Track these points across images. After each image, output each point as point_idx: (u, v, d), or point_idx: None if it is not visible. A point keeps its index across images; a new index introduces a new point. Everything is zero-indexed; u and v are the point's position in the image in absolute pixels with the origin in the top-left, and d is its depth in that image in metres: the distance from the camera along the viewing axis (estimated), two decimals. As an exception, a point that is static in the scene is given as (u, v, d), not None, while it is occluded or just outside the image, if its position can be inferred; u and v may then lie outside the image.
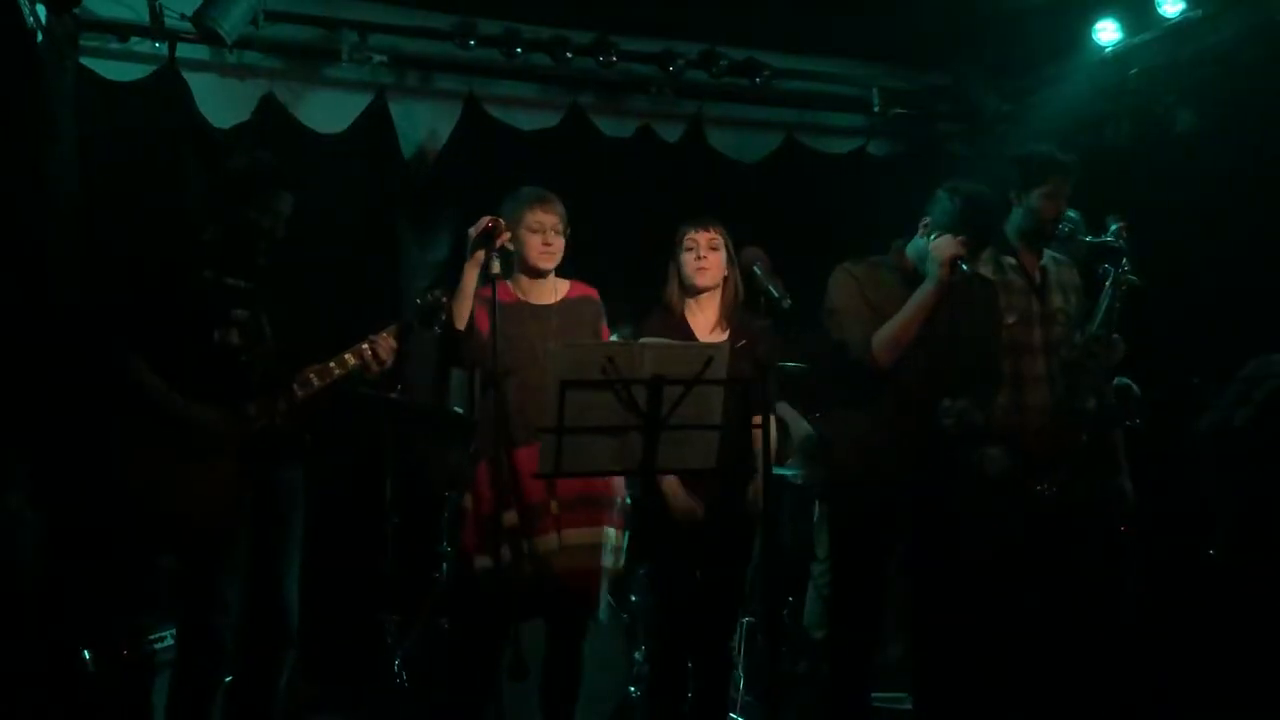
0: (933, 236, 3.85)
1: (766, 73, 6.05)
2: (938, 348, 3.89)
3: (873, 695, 4.14)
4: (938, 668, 3.99)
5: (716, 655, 4.23)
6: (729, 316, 4.16)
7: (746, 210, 6.02)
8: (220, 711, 3.79)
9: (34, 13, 4.60)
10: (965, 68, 6.29)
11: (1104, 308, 4.12)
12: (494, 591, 3.78)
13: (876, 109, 6.31)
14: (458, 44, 5.58)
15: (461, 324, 3.82)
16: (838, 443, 4.10)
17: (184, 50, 5.27)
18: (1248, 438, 4.74)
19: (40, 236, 4.49)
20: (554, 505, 3.85)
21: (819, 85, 6.28)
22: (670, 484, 3.99)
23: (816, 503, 4.84)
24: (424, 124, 5.76)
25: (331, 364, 3.73)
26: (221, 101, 5.38)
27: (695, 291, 4.15)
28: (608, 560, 3.92)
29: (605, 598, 4.01)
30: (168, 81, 5.26)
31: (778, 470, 4.82)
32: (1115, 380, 4.24)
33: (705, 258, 4.12)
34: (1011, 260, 4.21)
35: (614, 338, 4.26)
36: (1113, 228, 4.13)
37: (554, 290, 4.03)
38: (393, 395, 4.64)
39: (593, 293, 4.11)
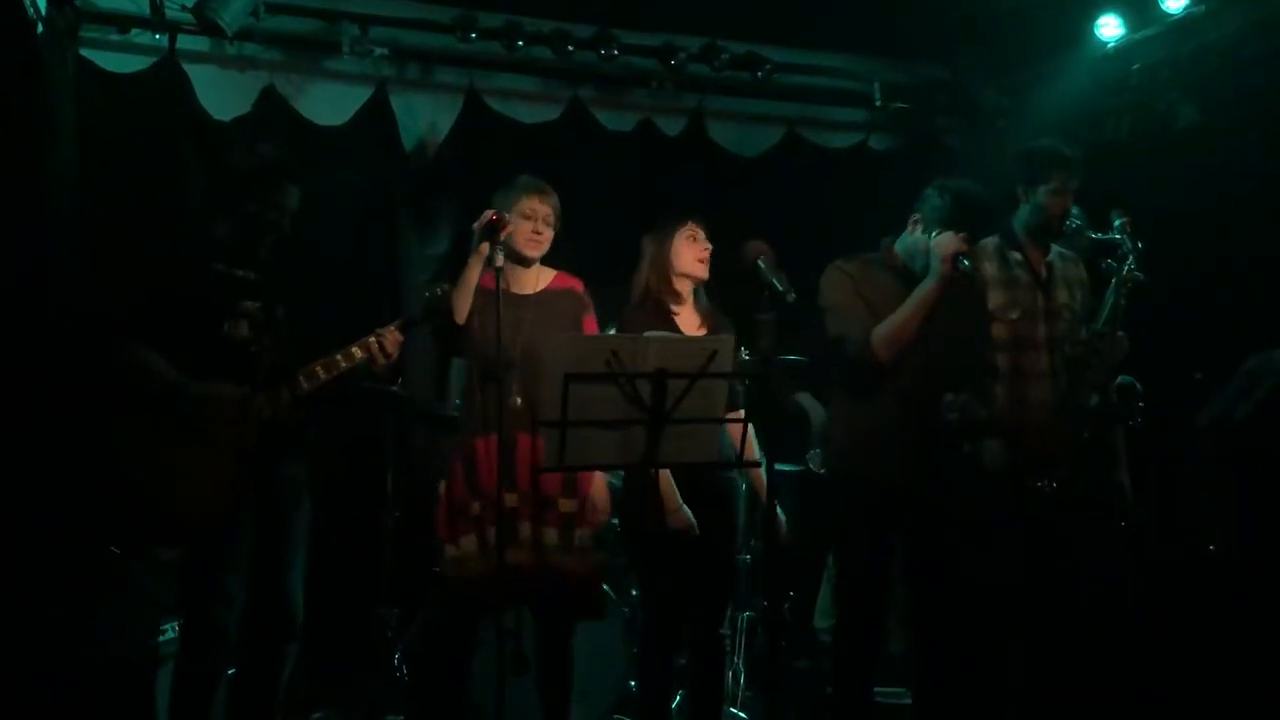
0: (934, 234, 3.86)
1: (768, 66, 6.03)
2: (935, 344, 3.89)
3: (874, 690, 4.13)
4: (938, 663, 4.00)
5: (709, 641, 4.24)
6: (703, 310, 4.22)
7: (747, 204, 6.09)
8: (222, 705, 3.77)
9: (34, 4, 4.59)
10: (965, 62, 6.28)
11: (1109, 304, 4.11)
12: (461, 580, 3.83)
13: (878, 103, 6.29)
14: (459, 37, 5.56)
15: (462, 317, 3.85)
16: (837, 435, 4.11)
17: (184, 42, 5.24)
18: (1248, 433, 4.75)
19: (41, 228, 4.48)
20: (564, 503, 3.90)
21: (820, 79, 6.26)
22: (668, 492, 4.00)
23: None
24: (424, 117, 5.73)
25: (338, 357, 3.74)
26: (222, 93, 5.34)
27: (687, 285, 4.18)
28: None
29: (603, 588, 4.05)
30: (168, 73, 5.23)
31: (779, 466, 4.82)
32: (1119, 378, 4.23)
33: (708, 249, 4.16)
34: (1017, 255, 4.20)
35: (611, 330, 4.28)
36: (1117, 223, 4.10)
37: (536, 280, 4.06)
38: (394, 389, 4.64)
39: (577, 285, 4.14)
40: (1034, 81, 6.17)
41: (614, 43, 5.76)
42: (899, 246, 4.04)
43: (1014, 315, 4.13)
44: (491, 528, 3.82)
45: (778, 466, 3.89)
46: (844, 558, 4.13)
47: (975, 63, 6.24)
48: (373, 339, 3.76)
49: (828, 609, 4.82)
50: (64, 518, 4.09)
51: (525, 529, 3.88)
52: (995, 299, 4.15)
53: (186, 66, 5.27)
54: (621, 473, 4.22)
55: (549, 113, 5.91)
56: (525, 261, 4.01)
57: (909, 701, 4.37)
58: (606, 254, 4.52)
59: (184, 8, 5.09)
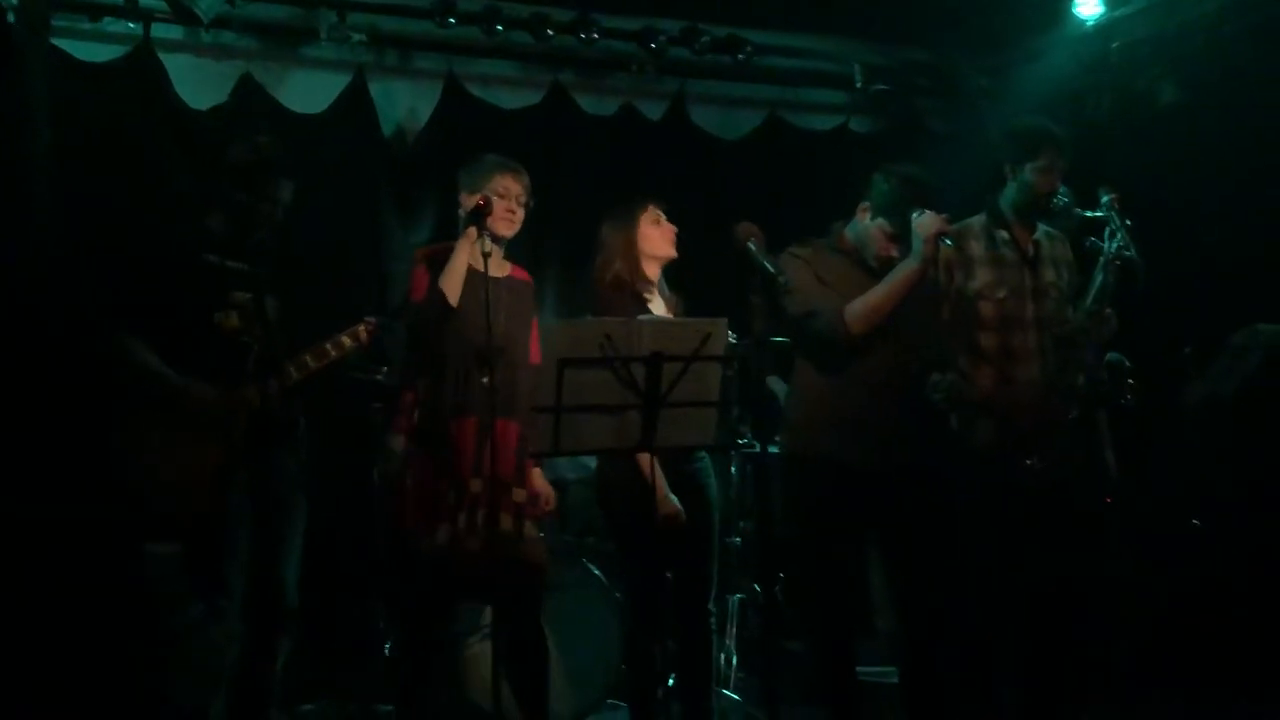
0: (916, 215, 3.86)
1: (749, 49, 6.01)
2: (906, 325, 3.93)
3: (860, 670, 4.14)
4: (924, 641, 4.01)
5: (696, 624, 4.23)
6: (665, 294, 4.24)
7: (729, 187, 6.08)
8: (222, 696, 3.76)
9: (5, -8, 4.53)
10: (945, 43, 6.28)
11: (1098, 283, 4.10)
12: (435, 566, 3.81)
13: (859, 85, 6.29)
14: (437, 22, 5.50)
15: (454, 300, 3.82)
16: (805, 415, 4.10)
17: (159, 30, 5.15)
18: (1236, 408, 4.77)
19: (26, 219, 4.43)
20: (517, 493, 3.90)
21: (801, 61, 6.24)
22: (659, 482, 3.97)
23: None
24: (404, 103, 5.67)
25: (327, 346, 3.73)
26: (198, 82, 5.26)
27: (656, 267, 4.19)
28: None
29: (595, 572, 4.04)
30: (143, 62, 5.15)
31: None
32: (1108, 355, 4.23)
33: (674, 229, 4.20)
34: (1004, 234, 4.19)
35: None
36: (1104, 200, 4.10)
37: (501, 264, 4.05)
38: (379, 377, 4.61)
39: (529, 278, 4.20)
40: (1015, 62, 6.17)
41: (594, 26, 5.72)
42: (849, 232, 4.11)
43: (1001, 294, 4.12)
44: (463, 514, 3.79)
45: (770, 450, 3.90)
46: (818, 540, 4.09)
47: (955, 43, 6.23)
48: (362, 327, 3.76)
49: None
50: (63, 518, 4.06)
51: (484, 515, 3.83)
52: (982, 278, 4.14)
53: (161, 55, 5.17)
54: (589, 464, 4.21)
55: (529, 98, 5.87)
56: (499, 241, 4.00)
57: (896, 681, 4.37)
58: (588, 239, 4.48)
59: (158, -6, 5.02)
